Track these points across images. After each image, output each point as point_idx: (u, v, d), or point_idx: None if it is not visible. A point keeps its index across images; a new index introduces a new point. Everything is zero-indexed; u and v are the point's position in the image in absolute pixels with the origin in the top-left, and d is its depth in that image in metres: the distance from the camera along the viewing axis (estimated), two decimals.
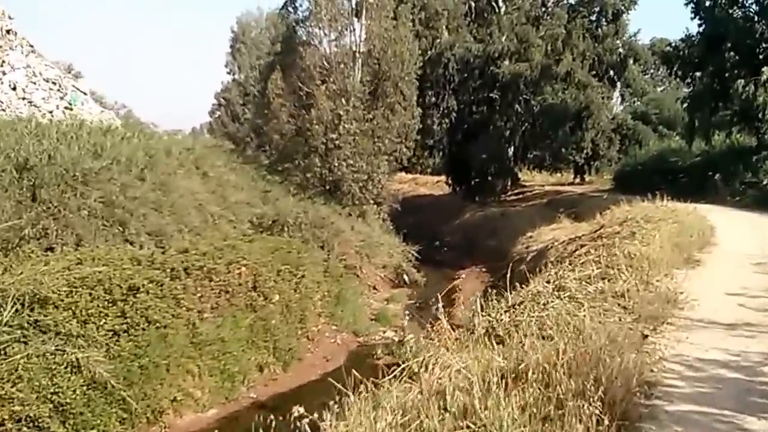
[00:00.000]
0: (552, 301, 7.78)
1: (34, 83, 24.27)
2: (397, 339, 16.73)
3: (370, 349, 14.77)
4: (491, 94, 31.52)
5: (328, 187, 22.10)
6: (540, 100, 30.80)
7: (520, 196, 32.25)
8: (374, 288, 20.78)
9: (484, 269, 24.26)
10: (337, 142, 22.08)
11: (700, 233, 13.02)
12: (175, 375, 10.65)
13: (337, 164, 21.82)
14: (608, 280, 8.59)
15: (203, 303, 12.28)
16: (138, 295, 10.73)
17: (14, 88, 23.46)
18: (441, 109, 31.72)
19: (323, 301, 16.61)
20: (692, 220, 14.23)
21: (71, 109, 23.97)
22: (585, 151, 30.56)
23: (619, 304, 7.53)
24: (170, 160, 18.45)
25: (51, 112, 22.78)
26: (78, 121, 18.97)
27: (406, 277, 21.94)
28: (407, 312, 18.69)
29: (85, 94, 25.99)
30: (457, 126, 32.33)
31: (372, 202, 22.65)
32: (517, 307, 8.19)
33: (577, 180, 33.40)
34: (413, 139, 24.64)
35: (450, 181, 35.83)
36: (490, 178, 32.10)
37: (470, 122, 32.48)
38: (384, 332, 16.57)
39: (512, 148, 32.63)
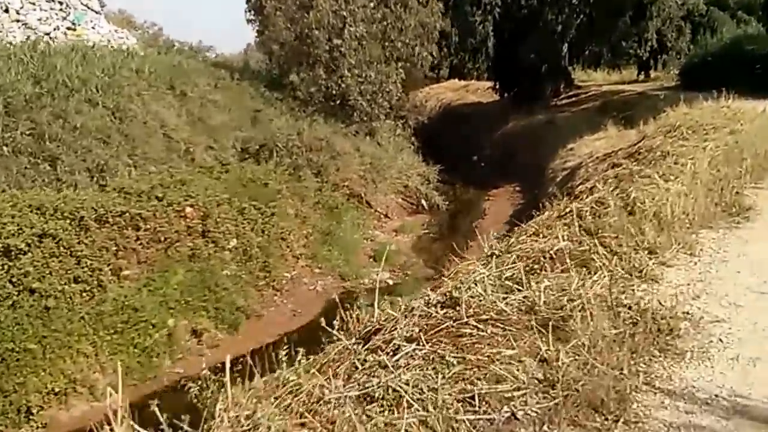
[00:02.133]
0: None
1: (33, 3, 22.14)
2: (392, 281, 14.34)
3: (356, 297, 12.40)
4: None
5: (335, 103, 19.28)
6: None
7: (574, 99, 28.34)
8: (385, 216, 18.19)
9: (518, 188, 21.28)
10: (342, 49, 19.06)
11: (763, 153, 9.67)
12: (59, 358, 8.56)
13: (341, 75, 18.87)
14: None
15: (121, 259, 10.10)
16: (17, 258, 8.62)
17: (6, 10, 21.41)
18: (483, 5, 27.81)
19: (307, 239, 14.26)
20: (757, 129, 10.81)
21: (74, 30, 21.89)
22: (649, 44, 26.21)
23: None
24: (137, 80, 16.12)
25: (48, 34, 20.72)
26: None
27: (424, 203, 19.25)
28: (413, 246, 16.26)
29: (97, 12, 23.75)
30: (502, 24, 28.38)
31: (384, 117, 19.67)
32: None
33: (642, 77, 29.11)
34: (435, 41, 21.29)
35: (497, 87, 32.13)
36: (539, 80, 28.27)
37: (517, 18, 28.38)
38: (378, 274, 14.08)
39: (565, 45, 28.51)
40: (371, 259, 15.07)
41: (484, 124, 29.11)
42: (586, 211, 6.18)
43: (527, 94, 28.68)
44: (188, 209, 11.86)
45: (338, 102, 19.00)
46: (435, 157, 26.43)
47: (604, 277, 4.70)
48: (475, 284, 4.21)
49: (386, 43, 19.63)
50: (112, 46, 19.22)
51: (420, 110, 27.94)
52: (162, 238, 10.86)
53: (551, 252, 4.93)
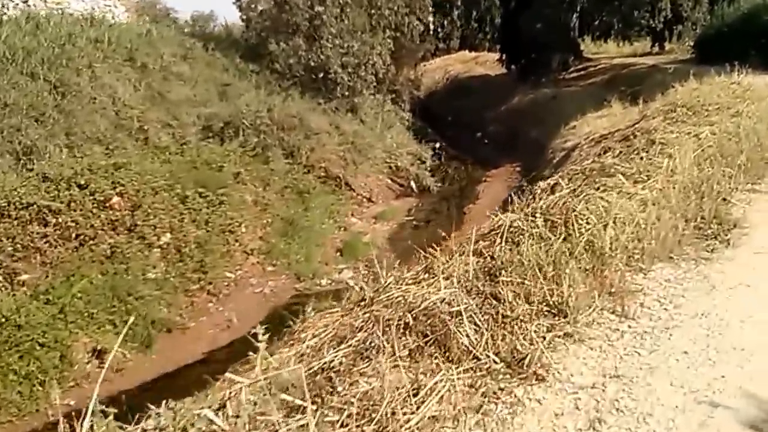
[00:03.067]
0: None
1: None
2: (353, 283, 12.78)
3: (307, 301, 10.90)
4: None
5: (316, 76, 17.72)
6: None
7: (582, 72, 26.41)
8: (369, 200, 16.71)
9: (518, 168, 19.68)
10: (324, 17, 17.46)
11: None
12: None
13: (321, 45, 17.28)
14: None
15: (21, 261, 8.76)
16: None
17: None
18: None
19: (265, 231, 12.84)
20: (764, 111, 9.20)
21: None
22: (663, 14, 24.17)
23: None
24: (93, 50, 14.72)
25: (26, 1, 19.35)
26: None
27: (413, 185, 17.74)
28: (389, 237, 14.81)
29: None
30: None
31: (368, 91, 18.06)
32: None
33: (655, 49, 27.06)
34: (429, 9, 19.59)
35: (503, 59, 30.28)
36: (546, 52, 26.40)
37: None
38: (340, 272, 12.64)
39: (575, 15, 26.57)
40: (338, 253, 13.61)
41: (489, 98, 27.34)
42: (517, 227, 4.64)
43: (534, 67, 26.91)
44: (115, 199, 10.49)
45: (319, 75, 17.40)
46: (439, 133, 25.03)
47: (452, 380, 3.14)
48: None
49: (372, 11, 18.00)
50: (91, 16, 17.65)
51: (425, 83, 26.24)
52: (74, 235, 9.48)
53: (404, 320, 3.41)
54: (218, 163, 12.90)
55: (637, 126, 10.65)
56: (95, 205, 10.43)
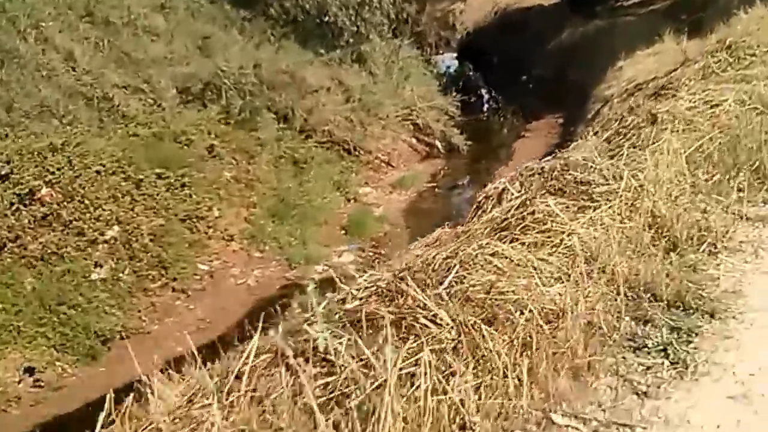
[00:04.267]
0: None
1: None
2: (353, 268, 10.34)
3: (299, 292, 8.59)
4: None
5: (317, 22, 15.01)
6: None
7: None
8: (388, 165, 14.14)
9: (562, 120, 16.77)
10: None
11: None
12: None
13: None
14: None
15: None
16: None
17: None
18: None
19: (250, 212, 10.50)
20: None
21: None
22: None
23: None
24: (42, 6, 12.39)
25: None
26: None
27: (438, 145, 15.08)
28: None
29: None
30: None
31: (378, 37, 15.19)
32: None
33: None
34: None
35: None
36: None
37: None
38: (340, 255, 10.24)
39: None
40: (343, 232, 11.24)
41: (539, 33, 23.85)
42: None
43: None
44: (44, 190, 8.31)
45: (316, 21, 14.67)
46: (483, 76, 22.09)
47: None
48: None
49: None
50: None
51: (471, 18, 23.20)
52: None
53: None
54: (186, 136, 10.52)
55: (672, 75, 8.39)
56: (19, 199, 8.36)
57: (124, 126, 10.76)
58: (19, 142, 9.13)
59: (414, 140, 15.28)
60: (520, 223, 3.96)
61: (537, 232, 3.83)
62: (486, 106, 21.91)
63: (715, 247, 3.92)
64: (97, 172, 8.86)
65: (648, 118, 6.30)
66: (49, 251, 8.05)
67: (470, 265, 3.19)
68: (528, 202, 4.15)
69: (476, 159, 15.18)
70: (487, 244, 3.42)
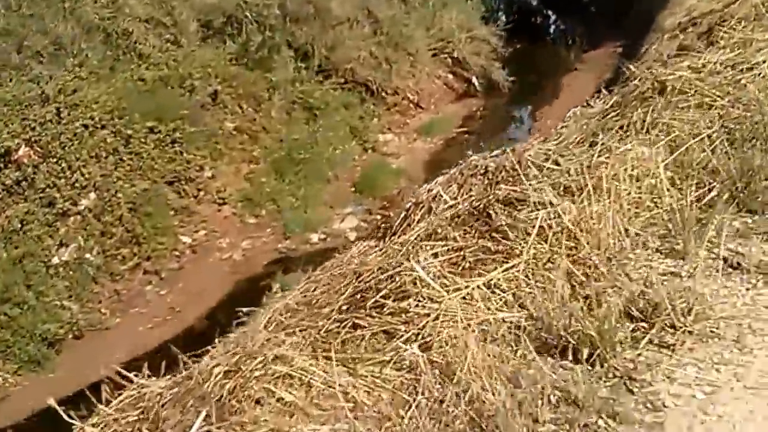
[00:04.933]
0: None
1: None
2: (354, 235, 9.71)
3: (294, 265, 8.20)
4: None
5: None
6: None
7: None
8: (417, 106, 13.29)
9: (621, 50, 15.24)
10: None
11: None
12: None
13: None
14: None
15: None
16: None
17: None
18: None
19: (250, 168, 10.11)
20: None
21: None
22: None
23: None
24: None
25: None
26: None
27: (476, 82, 14.06)
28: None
29: None
30: None
31: None
32: None
33: None
34: None
35: None
36: None
37: None
38: (342, 220, 9.77)
39: None
40: (353, 189, 10.69)
41: None
42: None
43: None
44: (23, 151, 8.07)
45: None
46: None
47: None
48: None
49: None
50: None
51: None
52: None
53: None
54: (192, 80, 10.08)
55: (727, 10, 6.72)
56: None
57: (136, 67, 10.33)
58: (11, 89, 8.91)
59: (450, 76, 14.27)
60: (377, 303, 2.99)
61: (389, 314, 2.88)
62: (553, 27, 20.34)
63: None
64: (84, 125, 8.38)
65: (654, 87, 4.83)
66: (11, 228, 7.56)
67: (242, 398, 2.55)
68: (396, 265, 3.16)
69: (516, 98, 14.12)
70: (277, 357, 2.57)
